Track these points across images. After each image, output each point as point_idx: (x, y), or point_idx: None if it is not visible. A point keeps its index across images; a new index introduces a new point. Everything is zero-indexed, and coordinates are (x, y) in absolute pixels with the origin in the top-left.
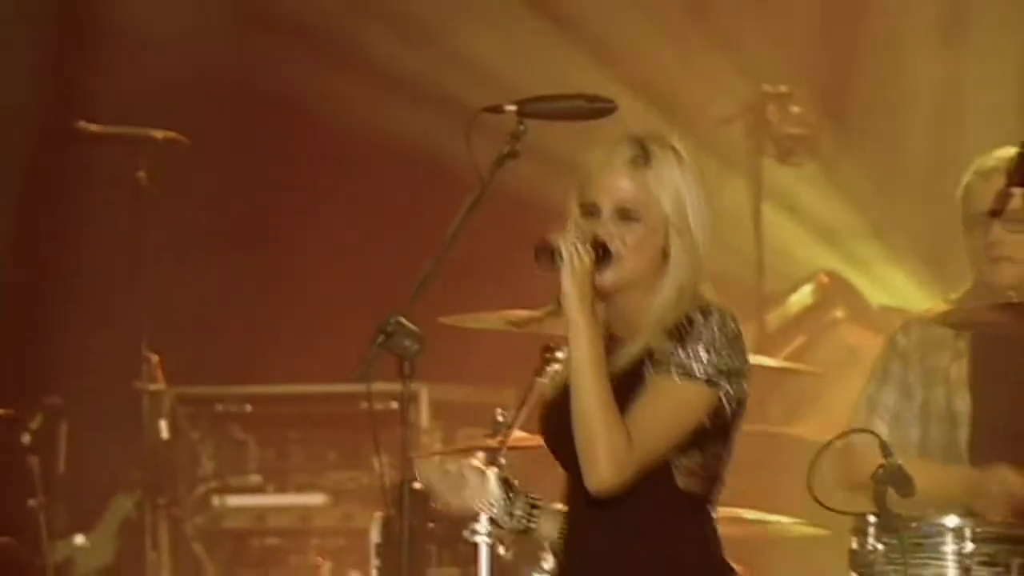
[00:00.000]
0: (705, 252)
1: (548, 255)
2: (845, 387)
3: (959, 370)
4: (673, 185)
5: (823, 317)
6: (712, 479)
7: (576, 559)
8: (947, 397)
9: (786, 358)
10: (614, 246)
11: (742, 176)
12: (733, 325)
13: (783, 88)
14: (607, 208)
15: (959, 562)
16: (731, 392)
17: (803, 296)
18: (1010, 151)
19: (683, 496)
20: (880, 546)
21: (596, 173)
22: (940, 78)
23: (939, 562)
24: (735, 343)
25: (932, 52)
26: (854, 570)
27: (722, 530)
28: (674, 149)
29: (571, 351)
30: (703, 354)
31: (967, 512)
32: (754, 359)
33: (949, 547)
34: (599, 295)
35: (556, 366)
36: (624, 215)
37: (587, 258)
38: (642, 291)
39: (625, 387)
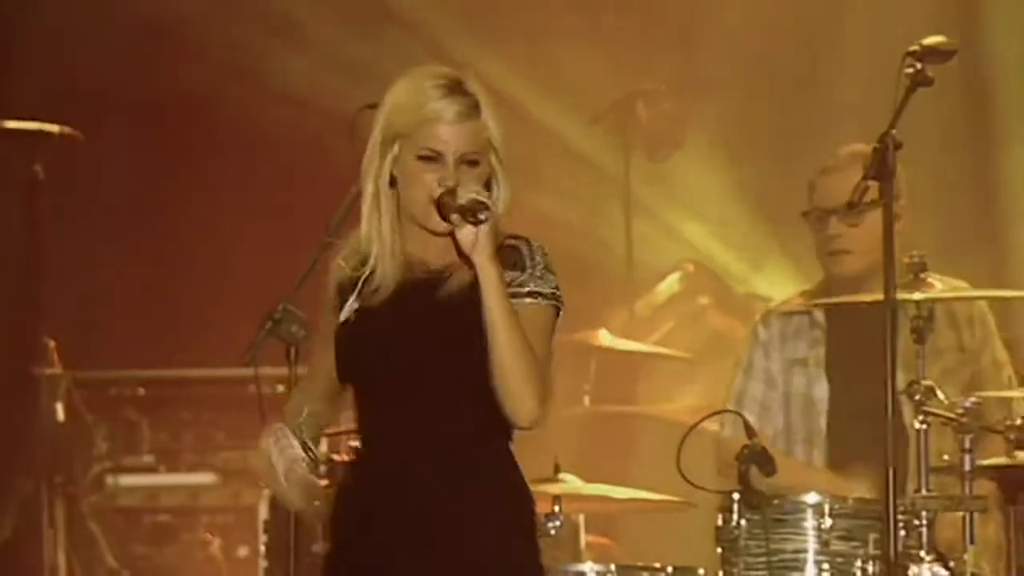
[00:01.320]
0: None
1: (469, 213)
2: (712, 369)
3: (816, 358)
4: (496, 123)
5: (690, 304)
6: None
7: (403, 497)
8: (807, 385)
9: (655, 343)
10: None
11: (611, 170)
12: (543, 245)
13: (651, 86)
14: (451, 155)
15: (818, 537)
16: (562, 309)
17: (670, 284)
18: (855, 147)
19: (509, 429)
20: (744, 522)
21: (433, 122)
22: (797, 77)
23: (800, 537)
24: (552, 264)
25: (790, 50)
26: (719, 545)
27: (594, 507)
28: (483, 87)
29: (488, 298)
30: (548, 276)
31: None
32: (625, 344)
33: (809, 523)
34: (433, 234)
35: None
36: (469, 162)
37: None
38: None
39: (466, 313)
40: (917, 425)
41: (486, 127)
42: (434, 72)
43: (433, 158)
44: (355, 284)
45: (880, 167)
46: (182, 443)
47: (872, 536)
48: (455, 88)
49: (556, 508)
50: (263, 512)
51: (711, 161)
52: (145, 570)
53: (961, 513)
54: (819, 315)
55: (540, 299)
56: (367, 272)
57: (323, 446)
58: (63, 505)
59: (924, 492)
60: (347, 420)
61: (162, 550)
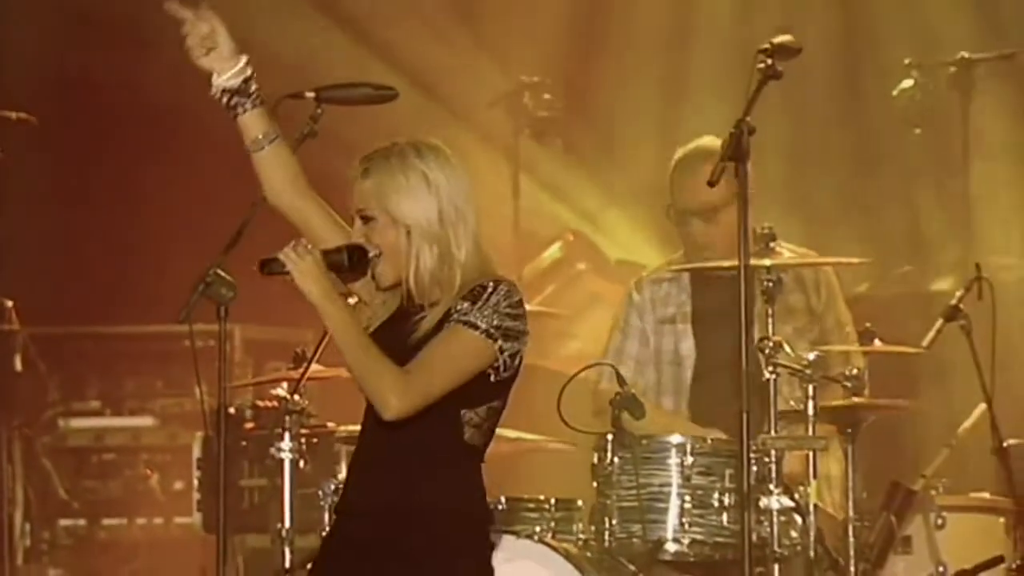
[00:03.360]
0: (455, 229)
1: (274, 266)
2: (588, 326)
3: (683, 318)
4: (394, 186)
5: (569, 269)
6: (490, 432)
7: (357, 494)
8: (675, 342)
9: (539, 303)
10: (370, 244)
11: (503, 153)
12: (517, 296)
13: (536, 78)
14: (356, 211)
15: (681, 472)
16: (506, 349)
17: (553, 252)
18: (702, 143)
19: (467, 448)
20: (617, 459)
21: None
22: (664, 75)
23: (665, 472)
24: (516, 309)
25: (659, 50)
26: (595, 480)
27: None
28: (400, 154)
29: (327, 326)
30: (488, 312)
31: None
32: None
33: (673, 460)
34: (382, 288)
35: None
36: (365, 219)
37: (308, 257)
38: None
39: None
40: (767, 375)
41: (372, 187)
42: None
43: (353, 216)
44: None
45: (736, 150)
46: (124, 390)
47: (728, 471)
48: (365, 155)
49: None
50: (196, 451)
51: (593, 145)
52: (92, 502)
53: (805, 451)
54: (685, 280)
55: (470, 328)
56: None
57: (248, 393)
58: (20, 444)
59: (773, 433)
60: (272, 370)
61: (107, 484)
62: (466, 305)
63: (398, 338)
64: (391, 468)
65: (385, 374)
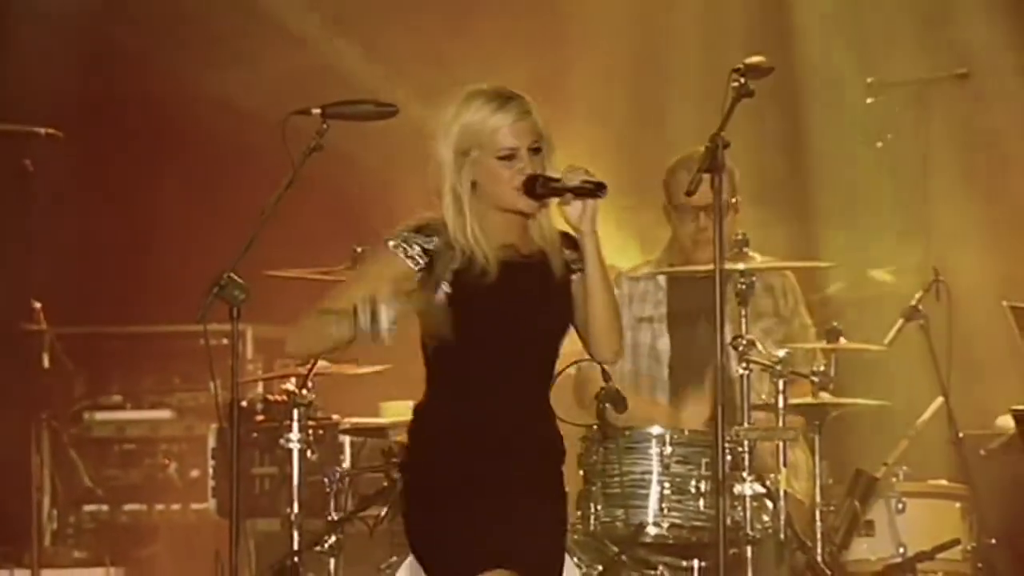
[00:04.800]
0: None
1: (585, 192)
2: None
3: (660, 316)
4: (541, 116)
5: None
6: None
7: (517, 432)
8: (652, 338)
9: None
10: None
11: None
12: None
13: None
14: (524, 149)
15: (661, 461)
16: None
17: None
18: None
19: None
20: (601, 450)
21: (503, 128)
22: (636, 86)
23: (646, 461)
24: None
25: (628, 56)
26: (581, 468)
27: None
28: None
29: (592, 262)
30: None
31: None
32: None
33: (654, 450)
34: (525, 216)
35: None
36: (535, 150)
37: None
38: None
39: (566, 294)
40: (741, 371)
41: (538, 121)
42: (479, 92)
43: (510, 156)
44: (457, 270)
45: (712, 162)
46: (144, 386)
47: (704, 460)
48: (509, 96)
49: None
50: (211, 442)
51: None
52: (115, 488)
53: (776, 442)
54: (662, 280)
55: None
56: (457, 260)
57: (259, 388)
58: (48, 436)
59: (746, 425)
60: (281, 367)
61: (128, 472)
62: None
63: (533, 282)
64: (546, 410)
65: (620, 323)
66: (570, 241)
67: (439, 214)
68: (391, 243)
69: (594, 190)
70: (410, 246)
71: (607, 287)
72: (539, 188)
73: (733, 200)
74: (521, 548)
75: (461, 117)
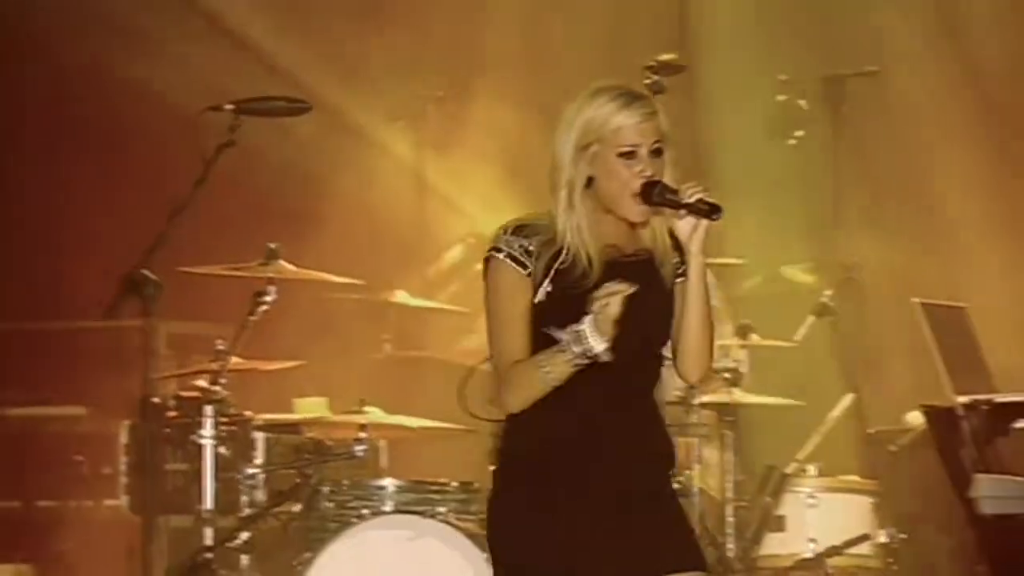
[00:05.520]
0: None
1: (702, 212)
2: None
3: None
4: (666, 118)
5: (470, 270)
6: None
7: (623, 436)
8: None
9: (443, 301)
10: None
11: (408, 163)
12: None
13: (439, 92)
14: (645, 149)
15: None
16: None
17: (455, 254)
18: None
19: None
20: None
21: (628, 125)
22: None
23: None
24: None
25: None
26: (493, 463)
27: (394, 434)
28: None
29: (695, 282)
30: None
31: None
32: (419, 302)
33: None
34: (633, 225)
35: (264, 307)
36: (656, 152)
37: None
38: None
39: (671, 297)
40: None
41: (663, 122)
42: (607, 89)
43: (631, 154)
44: (559, 268)
45: None
46: (57, 383)
47: None
48: (635, 95)
49: (362, 435)
50: (124, 438)
51: (489, 153)
52: (26, 485)
53: (688, 438)
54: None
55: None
56: (562, 259)
57: (172, 386)
58: None
59: None
60: (194, 363)
61: (40, 469)
62: (679, 256)
63: (637, 283)
64: (652, 414)
65: (713, 344)
66: (679, 244)
67: (532, 213)
68: (499, 255)
69: (709, 211)
70: (513, 250)
71: (706, 308)
72: (656, 196)
73: None
74: (612, 561)
75: (584, 112)
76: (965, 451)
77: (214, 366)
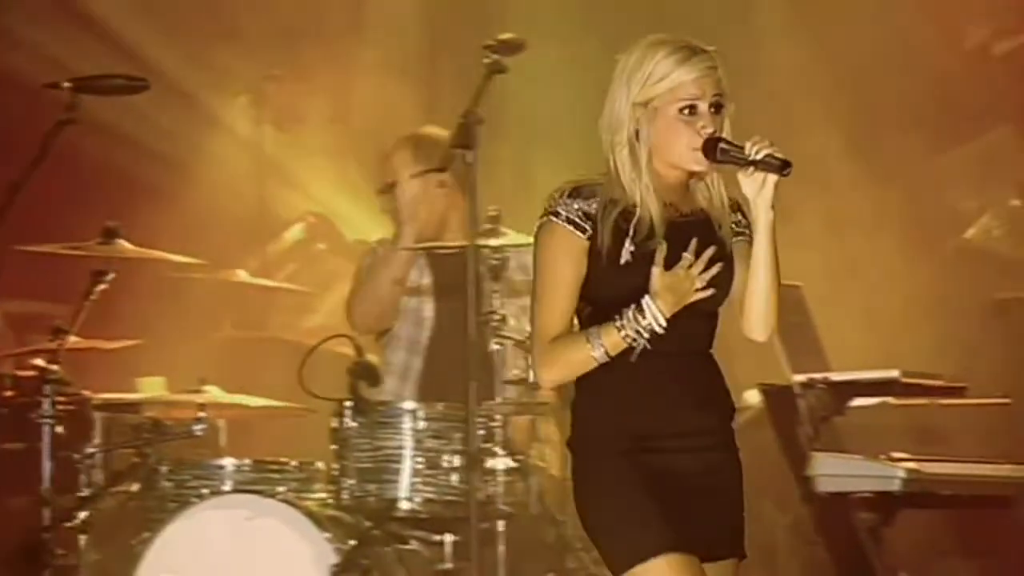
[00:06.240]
0: None
1: (772, 167)
2: (328, 302)
3: (425, 285)
4: (726, 74)
5: (311, 249)
6: None
7: (697, 417)
8: (417, 304)
9: (283, 280)
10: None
11: (247, 140)
12: None
13: (278, 71)
14: (706, 104)
15: (414, 435)
16: None
17: (295, 232)
18: (421, 131)
19: None
20: (354, 424)
21: (688, 80)
22: (401, 69)
23: (399, 436)
24: None
25: (397, 41)
26: (334, 443)
27: (233, 414)
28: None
29: (763, 239)
30: (748, 223)
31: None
32: (259, 281)
33: (406, 425)
34: (693, 176)
35: (102, 286)
36: (717, 107)
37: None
38: None
39: (731, 256)
40: (493, 346)
41: (723, 78)
42: (666, 42)
43: (692, 109)
44: (625, 229)
45: (465, 138)
46: None
47: (457, 435)
48: (695, 49)
49: (202, 414)
50: None
51: (329, 132)
52: None
53: (528, 416)
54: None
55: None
56: (635, 218)
57: (10, 365)
58: None
59: (499, 400)
60: (33, 342)
61: None
62: (741, 218)
63: (702, 247)
64: (713, 376)
65: (779, 299)
66: (735, 204)
67: (587, 176)
68: (556, 219)
69: (780, 166)
70: (572, 213)
71: (774, 267)
72: (719, 154)
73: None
74: (699, 530)
75: (644, 66)
76: (802, 429)
77: (52, 345)
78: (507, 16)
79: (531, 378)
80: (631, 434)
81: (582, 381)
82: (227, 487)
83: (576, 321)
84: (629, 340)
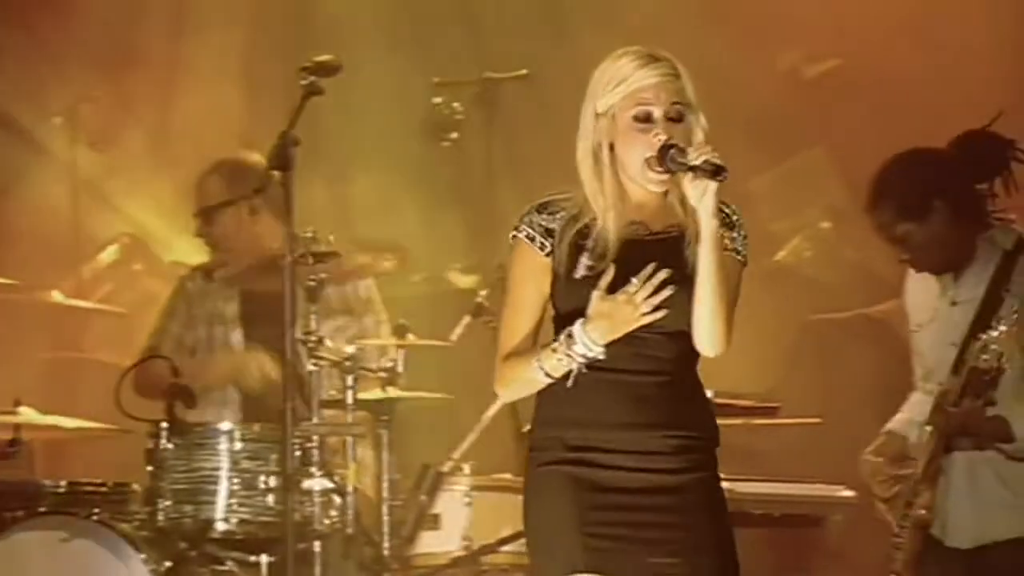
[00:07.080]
0: None
1: (707, 172)
2: (143, 323)
3: (232, 311)
4: (691, 83)
5: (126, 269)
6: None
7: (657, 413)
8: (225, 333)
9: (98, 301)
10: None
11: (61, 160)
12: (740, 213)
13: (94, 92)
14: (661, 113)
15: (231, 457)
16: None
17: (111, 253)
18: (229, 157)
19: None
20: (171, 445)
21: (642, 88)
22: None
23: (216, 457)
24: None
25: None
26: (149, 464)
27: (49, 435)
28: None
29: (707, 249)
30: (744, 239)
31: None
32: (74, 302)
33: (223, 446)
34: (665, 197)
35: None
36: (674, 119)
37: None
38: None
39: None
40: (310, 367)
41: (686, 87)
42: (629, 51)
43: (646, 117)
44: (581, 244)
45: (281, 159)
46: None
47: (273, 456)
48: (656, 56)
49: (16, 436)
50: None
51: (145, 152)
52: None
53: (344, 437)
54: (232, 277)
55: (739, 256)
56: (590, 235)
57: None
58: None
59: (315, 421)
60: None
61: None
62: (731, 233)
63: (667, 263)
64: (687, 412)
65: (729, 316)
66: (728, 220)
67: (564, 190)
68: (519, 234)
69: (713, 172)
70: (534, 229)
71: (720, 277)
72: (668, 161)
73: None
74: (639, 548)
75: (606, 73)
76: None
77: None
78: (326, 39)
79: (348, 399)
80: (565, 445)
81: (541, 392)
82: (42, 509)
83: (554, 332)
84: (563, 364)
